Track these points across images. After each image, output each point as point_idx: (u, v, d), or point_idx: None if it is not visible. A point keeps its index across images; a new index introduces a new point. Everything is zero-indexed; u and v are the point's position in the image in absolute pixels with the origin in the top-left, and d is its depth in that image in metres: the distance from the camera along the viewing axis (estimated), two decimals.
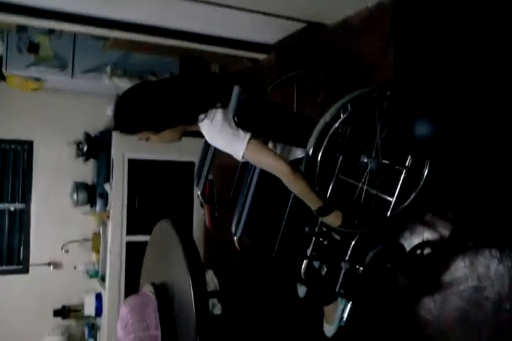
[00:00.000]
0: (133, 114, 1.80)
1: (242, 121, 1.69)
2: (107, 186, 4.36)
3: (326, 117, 1.72)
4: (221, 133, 1.72)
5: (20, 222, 4.75)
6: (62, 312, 4.66)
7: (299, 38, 3.18)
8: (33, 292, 4.68)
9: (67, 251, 4.71)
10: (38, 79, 4.28)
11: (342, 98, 1.75)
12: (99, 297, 4.55)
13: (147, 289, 2.37)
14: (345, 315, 2.21)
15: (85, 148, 4.53)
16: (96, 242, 4.73)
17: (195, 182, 2.44)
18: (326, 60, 3.00)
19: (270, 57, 3.54)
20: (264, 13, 2.80)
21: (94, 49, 4.14)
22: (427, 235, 2.23)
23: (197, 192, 2.44)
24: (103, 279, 4.51)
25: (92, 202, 4.56)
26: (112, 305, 4.30)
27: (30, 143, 4.72)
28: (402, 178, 1.96)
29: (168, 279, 2.36)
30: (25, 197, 4.74)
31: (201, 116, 1.75)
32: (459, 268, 2.09)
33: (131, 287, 4.18)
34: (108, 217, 4.36)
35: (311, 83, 2.69)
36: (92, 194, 4.52)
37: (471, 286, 2.04)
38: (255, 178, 1.85)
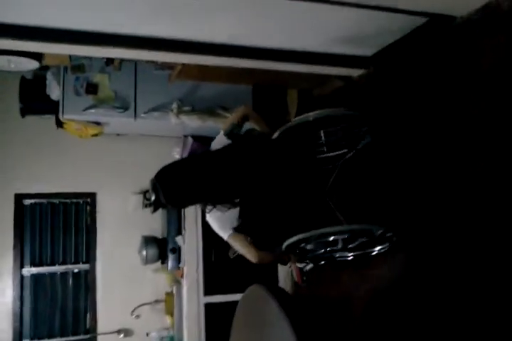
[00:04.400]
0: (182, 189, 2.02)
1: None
2: (179, 239, 3.79)
3: None
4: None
5: (86, 285, 4.22)
6: None
7: (409, 42, 2.55)
8: None
9: (138, 316, 4.12)
10: (98, 124, 3.84)
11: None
12: None
13: None
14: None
15: (153, 197, 3.98)
16: (169, 304, 4.13)
17: None
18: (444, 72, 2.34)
19: (367, 72, 2.91)
20: (366, 6, 2.16)
21: (158, 83, 3.69)
22: None
23: None
24: None
25: (163, 259, 4.00)
26: None
27: (92, 195, 4.26)
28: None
29: None
30: (90, 256, 4.23)
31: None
32: None
33: None
34: (182, 275, 3.78)
35: None
36: (162, 249, 3.96)
37: None
38: None
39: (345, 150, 2.39)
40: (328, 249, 2.31)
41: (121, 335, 4.11)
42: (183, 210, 3.85)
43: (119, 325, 4.15)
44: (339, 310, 3.06)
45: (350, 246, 2.29)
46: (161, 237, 4.16)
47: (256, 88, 3.85)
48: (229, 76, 3.14)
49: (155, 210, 4.07)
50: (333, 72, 2.95)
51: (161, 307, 4.20)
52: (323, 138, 2.36)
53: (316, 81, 3.23)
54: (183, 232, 3.81)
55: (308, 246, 2.24)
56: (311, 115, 2.23)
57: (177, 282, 4.07)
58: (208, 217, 2.19)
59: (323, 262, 2.40)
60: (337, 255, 2.40)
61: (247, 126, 2.52)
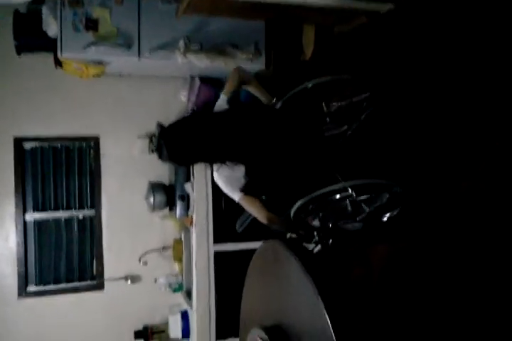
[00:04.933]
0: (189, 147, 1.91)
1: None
2: (187, 186, 3.62)
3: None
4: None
5: (92, 231, 4.11)
6: (144, 334, 4.01)
7: None
8: (110, 311, 4.06)
9: (145, 263, 4.03)
10: (99, 63, 3.58)
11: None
12: (185, 316, 3.87)
13: (256, 336, 1.77)
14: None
15: (157, 155, 3.79)
16: (178, 250, 4.04)
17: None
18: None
19: (397, 8, 2.62)
20: None
21: (164, 18, 3.39)
22: None
23: None
24: (189, 294, 3.82)
25: (171, 206, 3.86)
26: (201, 325, 3.63)
27: (96, 139, 4.06)
28: None
29: (288, 320, 1.74)
30: (95, 202, 4.09)
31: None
32: None
33: (223, 304, 3.54)
34: (191, 223, 3.64)
35: None
36: (170, 196, 3.81)
37: None
38: None
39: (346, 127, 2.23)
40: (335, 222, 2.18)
41: (129, 281, 4.05)
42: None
43: (126, 271, 4.08)
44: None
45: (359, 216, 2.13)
46: (168, 184, 4.00)
47: (269, 24, 3.54)
48: (241, 10, 2.84)
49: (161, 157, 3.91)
50: (361, 6, 2.65)
51: (169, 254, 4.12)
52: (325, 109, 2.22)
53: (337, 16, 2.93)
54: (191, 179, 3.64)
55: (315, 222, 2.13)
56: (309, 83, 2.20)
57: (186, 229, 3.96)
58: (217, 178, 2.12)
59: (331, 240, 2.23)
60: (346, 225, 2.23)
61: None
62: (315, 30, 3.49)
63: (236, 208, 3.65)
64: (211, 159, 2.00)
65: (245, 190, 2.06)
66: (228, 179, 2.08)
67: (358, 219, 2.14)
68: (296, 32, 3.59)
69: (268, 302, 2.05)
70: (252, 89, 2.41)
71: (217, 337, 3.63)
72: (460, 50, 2.32)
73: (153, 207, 3.82)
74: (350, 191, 2.00)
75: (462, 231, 2.35)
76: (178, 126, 1.98)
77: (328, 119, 2.18)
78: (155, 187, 3.84)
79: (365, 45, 3.11)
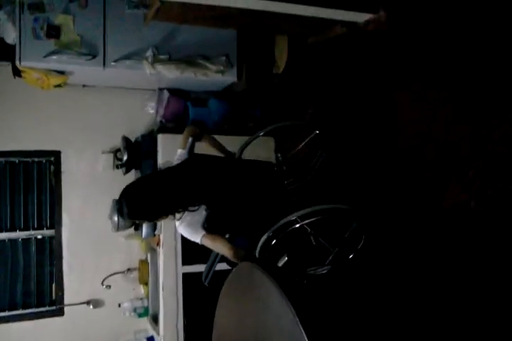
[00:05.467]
0: (152, 203, 1.96)
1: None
2: None
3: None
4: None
5: (51, 253, 3.84)
6: None
7: None
8: (71, 338, 3.77)
9: (108, 286, 3.78)
10: (61, 73, 3.39)
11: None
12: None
13: None
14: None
15: (125, 157, 3.60)
16: (143, 272, 3.81)
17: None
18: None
19: (377, 17, 2.50)
20: None
21: (131, 25, 3.23)
22: None
23: None
24: (155, 319, 3.59)
25: (136, 225, 3.61)
26: None
27: (57, 154, 3.81)
28: None
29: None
30: (55, 221, 3.83)
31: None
32: None
33: (192, 329, 3.34)
34: (158, 243, 3.42)
35: None
36: None
37: None
38: None
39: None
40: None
41: (91, 306, 3.78)
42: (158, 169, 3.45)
43: (88, 295, 3.82)
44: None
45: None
46: None
47: (241, 34, 3.42)
48: (212, 17, 2.69)
49: (127, 171, 3.70)
50: (337, 16, 2.53)
51: (134, 277, 3.88)
52: (280, 158, 2.62)
53: (312, 26, 2.80)
54: None
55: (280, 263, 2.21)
56: (261, 131, 2.52)
57: (152, 249, 3.74)
58: (179, 226, 2.10)
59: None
60: (316, 271, 2.30)
61: None
62: (288, 41, 3.37)
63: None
64: (175, 208, 2.02)
65: (208, 228, 2.06)
66: (189, 223, 2.07)
67: (326, 262, 2.25)
68: (269, 42, 3.48)
69: (242, 327, 1.90)
70: (207, 145, 2.47)
71: None
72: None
73: (118, 227, 3.58)
74: (300, 220, 2.12)
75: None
76: (140, 183, 2.05)
77: (284, 167, 2.54)
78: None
79: (339, 57, 3.01)
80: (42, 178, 3.85)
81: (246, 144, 2.48)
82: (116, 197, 3.65)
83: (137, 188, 2.00)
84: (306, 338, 1.34)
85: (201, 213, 2.07)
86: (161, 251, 3.39)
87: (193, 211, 2.03)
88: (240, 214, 2.23)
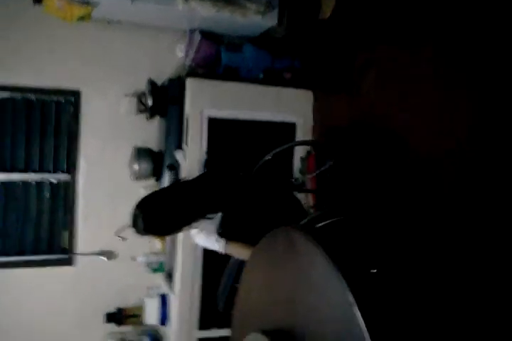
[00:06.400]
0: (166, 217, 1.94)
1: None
2: (179, 154, 3.15)
3: None
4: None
5: (65, 199, 3.62)
6: (117, 317, 3.56)
7: None
8: (81, 289, 3.62)
9: (124, 238, 3.54)
10: (86, 3, 3.04)
11: None
12: (164, 300, 3.44)
13: None
14: None
15: (150, 102, 3.30)
16: None
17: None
18: None
19: None
20: None
21: None
22: None
23: None
24: (170, 276, 3.39)
25: (157, 176, 3.39)
26: (183, 313, 3.21)
27: (76, 94, 3.54)
28: None
29: (301, 322, 1.34)
30: (71, 166, 3.59)
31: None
32: None
33: (210, 290, 3.11)
34: None
35: None
36: (158, 164, 3.33)
37: None
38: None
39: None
40: None
41: (104, 257, 3.59)
42: (186, 120, 3.17)
43: (101, 245, 3.63)
44: None
45: None
46: (156, 150, 3.51)
47: None
48: None
49: (151, 117, 3.42)
50: None
51: None
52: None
53: None
54: (184, 146, 3.16)
55: None
56: (269, 155, 2.58)
57: None
58: (196, 237, 2.10)
59: None
60: None
61: None
62: None
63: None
64: (192, 220, 2.00)
65: (223, 234, 2.05)
66: (207, 233, 2.06)
67: None
68: None
69: (275, 301, 1.63)
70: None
71: (200, 326, 3.21)
72: None
73: (138, 176, 3.34)
74: None
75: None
76: (158, 195, 2.02)
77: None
78: (141, 153, 3.36)
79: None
80: (60, 118, 3.59)
81: (259, 165, 2.53)
82: (138, 143, 3.42)
83: (155, 200, 1.97)
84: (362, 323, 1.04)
85: (214, 222, 2.06)
86: None
87: (211, 218, 2.03)
88: (255, 221, 2.12)
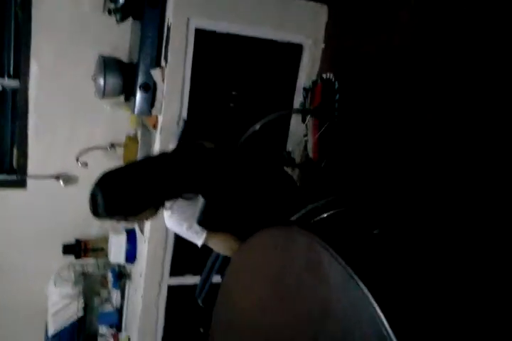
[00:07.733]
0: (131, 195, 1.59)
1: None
2: (155, 72, 2.53)
3: None
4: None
5: (13, 109, 3.00)
6: (75, 249, 3.16)
7: None
8: (34, 216, 3.17)
9: (85, 164, 3.03)
10: None
11: None
12: (131, 237, 3.02)
13: None
14: None
15: (121, 0, 2.58)
16: (131, 151, 3.06)
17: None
18: None
19: None
20: None
21: None
22: None
23: None
24: None
25: (128, 94, 2.77)
26: (154, 255, 2.81)
27: None
28: None
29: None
30: (21, 70, 2.90)
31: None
32: None
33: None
34: (155, 125, 2.60)
35: None
36: (129, 80, 2.69)
37: None
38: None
39: None
40: None
41: (61, 182, 3.08)
42: (166, 29, 2.49)
43: (58, 169, 3.11)
44: None
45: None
46: (128, 62, 2.84)
47: None
48: None
49: (122, 19, 2.72)
50: None
51: (118, 154, 3.12)
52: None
53: None
54: (163, 63, 2.52)
55: None
56: (257, 124, 2.35)
57: (144, 126, 2.94)
58: (168, 220, 1.76)
59: None
60: None
61: None
62: None
63: (223, 108, 2.73)
64: (163, 196, 1.68)
65: (204, 223, 1.71)
66: (186, 219, 1.72)
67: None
68: None
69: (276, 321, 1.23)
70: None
71: (172, 273, 2.84)
72: None
73: (103, 92, 2.72)
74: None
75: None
76: (124, 169, 1.69)
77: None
78: (108, 64, 2.69)
79: None
80: (5, 10, 2.82)
81: (245, 138, 2.33)
82: (105, 52, 2.75)
83: (119, 175, 1.62)
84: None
85: (194, 207, 1.72)
86: (158, 134, 2.60)
87: (188, 199, 1.71)
88: (242, 207, 1.83)
